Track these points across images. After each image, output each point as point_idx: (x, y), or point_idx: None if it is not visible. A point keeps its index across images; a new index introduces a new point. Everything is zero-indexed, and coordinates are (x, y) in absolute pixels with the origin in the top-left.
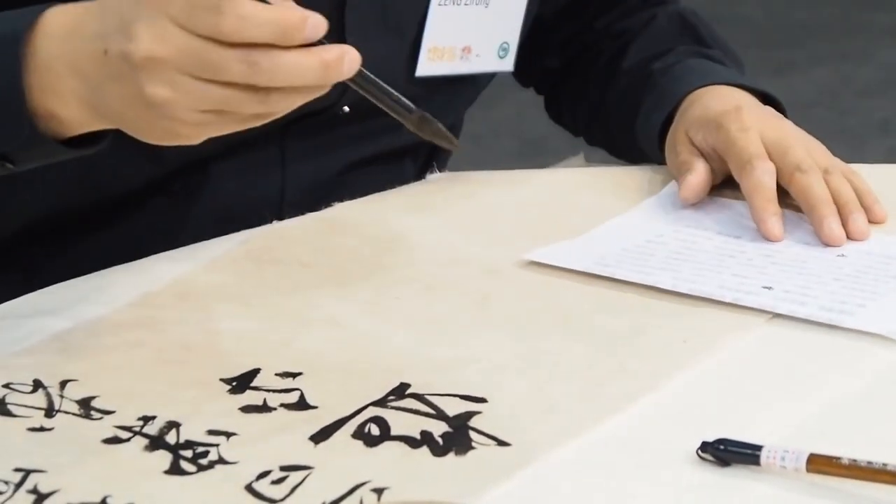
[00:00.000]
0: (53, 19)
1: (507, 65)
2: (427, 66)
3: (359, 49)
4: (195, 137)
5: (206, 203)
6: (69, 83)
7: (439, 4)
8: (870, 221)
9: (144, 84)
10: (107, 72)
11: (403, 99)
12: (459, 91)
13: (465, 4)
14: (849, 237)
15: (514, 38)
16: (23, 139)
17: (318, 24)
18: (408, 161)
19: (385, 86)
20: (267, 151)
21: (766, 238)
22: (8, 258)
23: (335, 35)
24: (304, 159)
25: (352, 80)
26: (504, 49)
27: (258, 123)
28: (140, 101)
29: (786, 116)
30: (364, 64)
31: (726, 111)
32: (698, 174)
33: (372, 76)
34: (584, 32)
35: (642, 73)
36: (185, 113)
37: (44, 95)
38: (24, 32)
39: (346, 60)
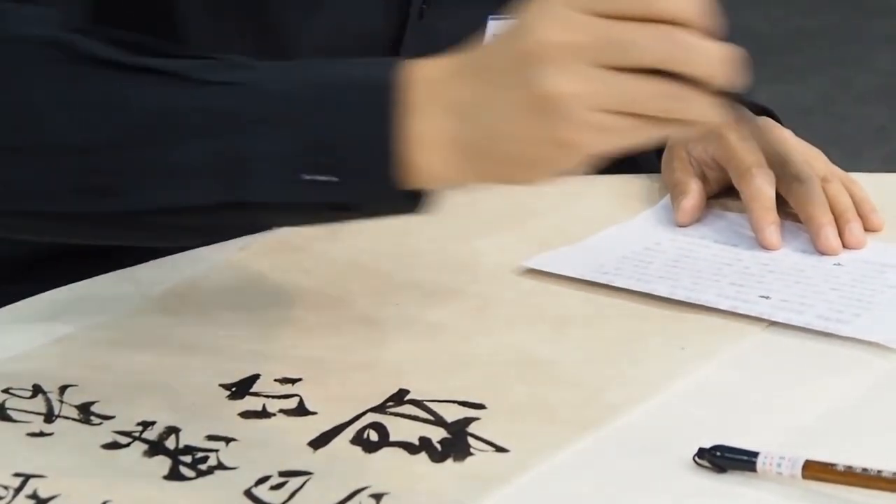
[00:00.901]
0: (421, 67)
1: None
2: None
3: None
4: (590, 149)
5: (236, 232)
6: (438, 123)
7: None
8: (867, 230)
9: (545, 79)
10: (493, 86)
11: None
12: None
13: None
14: (845, 246)
15: None
16: (387, 193)
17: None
18: None
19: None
20: None
21: (764, 247)
22: (31, 275)
23: None
24: None
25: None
26: None
27: (649, 139)
28: (533, 106)
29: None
30: None
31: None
32: (693, 197)
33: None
34: None
35: None
36: (585, 113)
37: (404, 145)
38: (394, 80)
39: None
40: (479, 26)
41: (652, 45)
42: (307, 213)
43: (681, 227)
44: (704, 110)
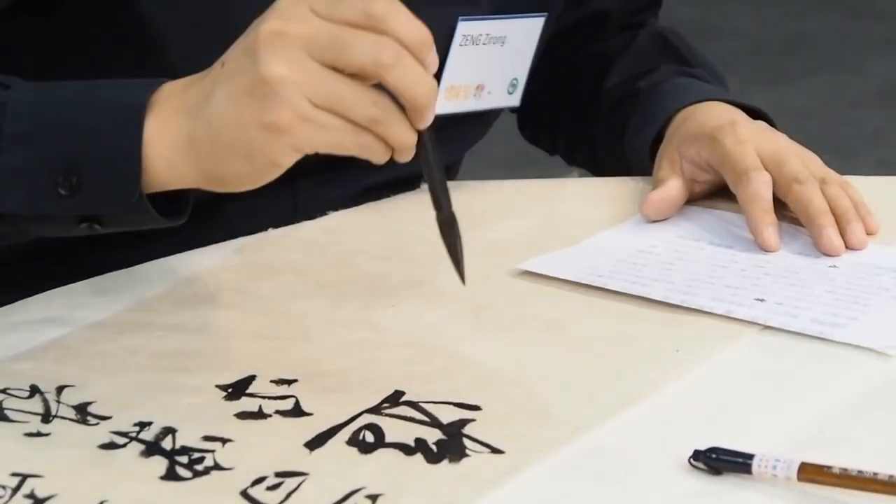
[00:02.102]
0: (173, 83)
1: (515, 100)
2: (443, 104)
3: None
4: (297, 141)
5: (216, 234)
6: (168, 123)
7: (461, 45)
8: None
9: (263, 62)
10: (219, 80)
11: (448, 189)
12: (469, 128)
13: (484, 44)
14: (847, 247)
15: (523, 74)
16: (128, 206)
17: (436, 58)
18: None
19: (441, 164)
20: (279, 191)
21: (763, 249)
22: (18, 274)
23: None
24: (317, 189)
25: (426, 131)
26: (513, 85)
27: (353, 145)
28: (249, 90)
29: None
30: None
31: (720, 126)
32: (665, 190)
33: (435, 145)
34: (566, 59)
35: (628, 91)
36: (295, 98)
37: (143, 154)
38: (144, 100)
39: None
40: (445, 28)
41: (367, 48)
42: (62, 225)
43: (648, 220)
44: (403, 134)
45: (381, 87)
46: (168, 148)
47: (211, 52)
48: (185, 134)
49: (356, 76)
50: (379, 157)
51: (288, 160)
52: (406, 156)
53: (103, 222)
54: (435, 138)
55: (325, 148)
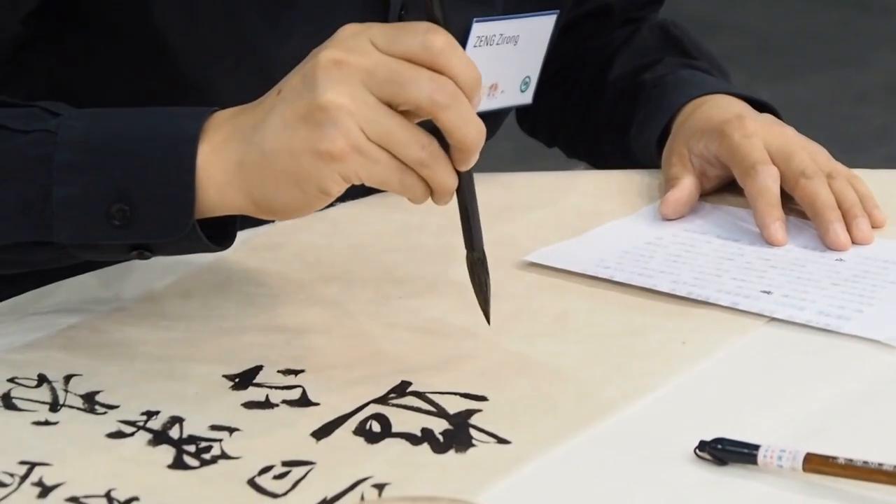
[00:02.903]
0: (221, 113)
1: (527, 97)
2: None
3: None
4: (346, 171)
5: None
6: (222, 150)
7: (475, 46)
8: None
9: (321, 89)
10: (276, 104)
11: (481, 230)
12: None
13: (497, 44)
14: (853, 242)
15: (535, 72)
16: (177, 235)
17: (480, 98)
18: None
19: (476, 205)
20: None
21: (770, 243)
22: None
23: None
24: None
25: (465, 173)
26: (525, 83)
27: (397, 183)
28: (303, 116)
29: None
30: None
31: (728, 119)
32: (681, 190)
33: (473, 186)
34: (568, 53)
35: (631, 84)
36: (352, 128)
37: (196, 184)
38: (197, 131)
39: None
40: (459, 31)
41: (424, 86)
42: (112, 252)
43: (665, 219)
44: (446, 179)
45: (426, 121)
46: (218, 172)
47: (218, 58)
48: (235, 159)
49: (408, 112)
50: (419, 197)
51: (336, 189)
52: (445, 199)
53: (154, 249)
54: (473, 180)
55: (370, 181)
